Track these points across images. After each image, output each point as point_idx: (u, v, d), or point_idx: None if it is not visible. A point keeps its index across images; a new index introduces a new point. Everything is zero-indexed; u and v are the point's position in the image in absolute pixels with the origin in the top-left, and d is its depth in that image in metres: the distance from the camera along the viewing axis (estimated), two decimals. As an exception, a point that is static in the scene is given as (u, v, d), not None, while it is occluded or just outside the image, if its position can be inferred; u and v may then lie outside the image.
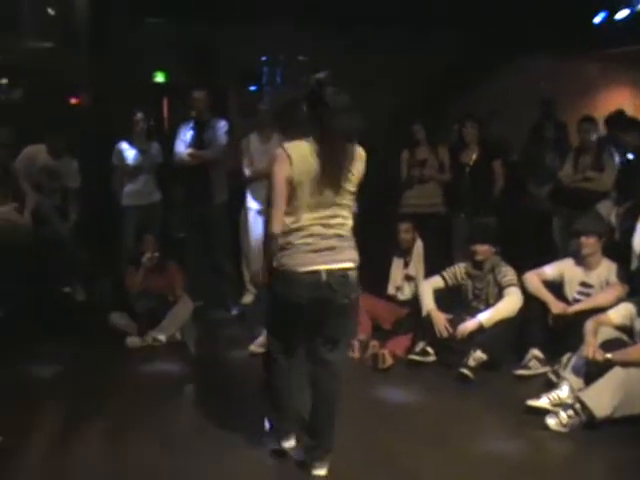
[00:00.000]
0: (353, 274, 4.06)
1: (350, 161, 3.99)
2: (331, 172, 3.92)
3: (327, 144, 3.91)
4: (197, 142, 7.54)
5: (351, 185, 4.03)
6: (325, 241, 3.96)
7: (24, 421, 4.92)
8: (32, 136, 7.84)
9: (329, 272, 3.95)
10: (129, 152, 7.84)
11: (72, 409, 5.21)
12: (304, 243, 3.93)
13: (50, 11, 10.52)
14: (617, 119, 7.96)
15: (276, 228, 3.94)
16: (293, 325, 4.12)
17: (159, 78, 11.39)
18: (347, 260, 4.03)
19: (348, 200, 4.06)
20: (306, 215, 3.94)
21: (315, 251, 3.94)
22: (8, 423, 4.75)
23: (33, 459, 4.44)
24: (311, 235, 3.94)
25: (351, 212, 4.11)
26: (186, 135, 7.63)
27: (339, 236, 4.01)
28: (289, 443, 4.39)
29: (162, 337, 6.51)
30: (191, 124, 7.72)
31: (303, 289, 3.93)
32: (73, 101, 10.27)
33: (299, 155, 3.90)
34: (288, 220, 3.94)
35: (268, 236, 3.97)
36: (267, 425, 4.47)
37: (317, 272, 3.93)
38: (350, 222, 4.10)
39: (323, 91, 3.91)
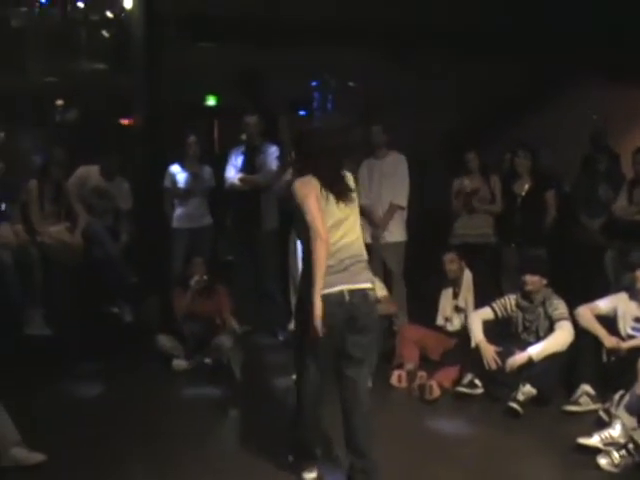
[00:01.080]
0: (373, 294, 4.21)
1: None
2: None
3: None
4: (248, 167, 7.58)
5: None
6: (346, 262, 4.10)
7: (68, 440, 4.96)
8: (85, 157, 7.93)
9: (351, 292, 4.04)
10: (181, 175, 7.90)
11: (116, 429, 5.23)
12: (328, 265, 4.02)
13: (105, 33, 10.70)
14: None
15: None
16: (322, 347, 4.13)
17: (210, 101, 11.50)
18: (366, 280, 4.14)
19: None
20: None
21: (338, 272, 4.04)
22: (52, 441, 4.76)
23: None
24: (332, 257, 4.04)
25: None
26: (237, 160, 7.67)
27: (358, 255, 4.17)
28: (311, 475, 4.38)
29: (208, 361, 6.51)
30: (242, 149, 7.77)
31: (331, 309, 4.00)
32: (126, 122, 10.39)
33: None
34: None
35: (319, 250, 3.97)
36: (290, 458, 4.49)
37: (341, 292, 4.03)
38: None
39: None
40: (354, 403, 4.12)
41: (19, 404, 4.76)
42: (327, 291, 4.01)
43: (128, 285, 7.58)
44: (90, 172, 7.75)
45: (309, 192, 4.07)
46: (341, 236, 4.12)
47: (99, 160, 7.79)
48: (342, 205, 4.15)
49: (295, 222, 4.42)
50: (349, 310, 4.05)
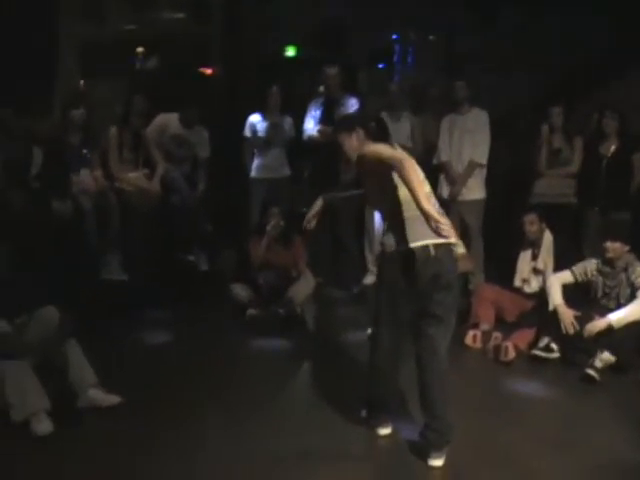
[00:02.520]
0: (456, 250, 4.19)
1: None
2: None
3: None
4: (327, 119, 7.50)
5: None
6: None
7: (142, 384, 5.06)
8: (165, 105, 7.95)
9: (436, 246, 3.94)
10: (261, 125, 7.87)
11: (188, 377, 5.30)
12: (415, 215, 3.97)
13: (185, -17, 10.67)
14: None
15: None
16: (400, 303, 4.09)
17: (290, 52, 11.41)
18: (451, 235, 3.98)
19: None
20: None
21: (423, 224, 3.93)
22: (126, 385, 4.84)
23: (150, 424, 4.51)
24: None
25: None
26: (316, 111, 7.62)
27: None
28: (386, 430, 4.39)
29: (282, 311, 6.52)
30: (321, 100, 7.70)
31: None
32: (206, 72, 10.38)
33: None
34: None
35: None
36: (363, 412, 4.48)
37: (426, 246, 3.95)
38: None
39: None
40: (431, 363, 4.05)
41: (95, 348, 4.84)
42: (412, 245, 3.96)
43: (204, 233, 7.64)
44: (169, 120, 7.78)
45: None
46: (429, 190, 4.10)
47: (179, 108, 7.80)
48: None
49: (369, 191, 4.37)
50: (434, 266, 3.96)
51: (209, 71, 10.32)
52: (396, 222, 4.05)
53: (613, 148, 7.28)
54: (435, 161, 7.57)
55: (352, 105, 7.56)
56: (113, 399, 4.64)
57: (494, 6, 10.31)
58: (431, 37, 11.88)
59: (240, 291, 6.77)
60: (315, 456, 4.14)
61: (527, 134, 8.07)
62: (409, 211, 3.98)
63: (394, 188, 4.03)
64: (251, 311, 6.64)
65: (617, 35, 9.97)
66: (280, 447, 4.21)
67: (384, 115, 7.53)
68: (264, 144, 7.84)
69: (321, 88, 8.06)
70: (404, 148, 4.60)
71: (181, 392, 4.99)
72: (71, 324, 4.70)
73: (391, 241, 4.08)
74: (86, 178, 7.00)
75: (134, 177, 7.30)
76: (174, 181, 7.53)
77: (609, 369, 5.49)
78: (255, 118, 7.90)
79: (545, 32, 10.01)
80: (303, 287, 6.61)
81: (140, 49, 10.40)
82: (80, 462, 4.01)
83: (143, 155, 7.44)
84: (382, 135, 4.57)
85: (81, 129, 7.05)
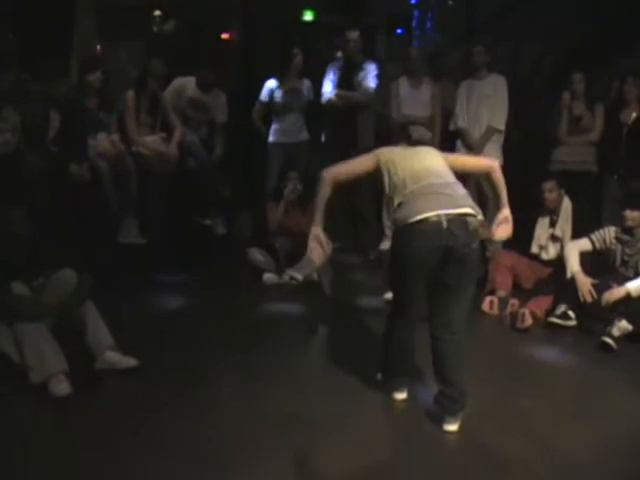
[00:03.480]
0: (474, 221, 3.93)
1: None
2: None
3: None
4: (346, 83, 7.47)
5: None
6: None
7: (159, 347, 5.10)
8: (183, 68, 7.91)
9: (449, 218, 3.85)
10: (279, 90, 7.82)
11: (205, 340, 5.33)
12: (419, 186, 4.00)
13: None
14: None
15: None
16: (415, 277, 4.01)
17: (308, 16, 11.32)
18: (465, 205, 3.92)
19: None
20: None
21: (431, 194, 3.94)
22: (143, 347, 4.86)
23: (167, 386, 4.54)
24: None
25: None
26: (335, 75, 7.56)
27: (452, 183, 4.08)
28: (401, 395, 4.40)
29: (299, 276, 6.53)
30: (340, 64, 7.65)
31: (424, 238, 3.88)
32: (224, 36, 10.32)
33: None
34: None
35: None
36: (379, 376, 4.49)
37: (438, 217, 3.85)
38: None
39: None
40: (446, 332, 4.02)
41: (112, 311, 4.87)
42: (421, 216, 3.86)
43: (221, 198, 7.63)
44: (187, 84, 7.74)
45: None
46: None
47: (196, 72, 7.77)
48: None
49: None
50: (447, 238, 3.84)
51: (227, 35, 10.26)
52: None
53: (634, 115, 7.20)
54: (452, 127, 7.52)
55: (372, 70, 7.51)
56: (130, 361, 4.67)
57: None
58: (450, 2, 11.77)
59: (257, 255, 6.79)
60: (330, 420, 4.14)
61: (547, 101, 7.99)
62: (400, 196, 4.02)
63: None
64: (268, 275, 6.66)
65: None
66: (294, 411, 4.22)
67: (403, 80, 7.49)
68: (282, 109, 7.80)
69: (339, 53, 7.99)
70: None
71: (197, 355, 5.01)
72: (89, 287, 4.72)
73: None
74: (103, 142, 6.98)
75: (151, 141, 7.28)
76: (191, 145, 7.51)
77: (626, 338, 5.45)
78: (272, 83, 7.85)
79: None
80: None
81: (158, 12, 10.34)
82: (97, 423, 4.04)
83: (160, 119, 7.40)
84: None
85: (98, 93, 7.02)
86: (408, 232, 3.87)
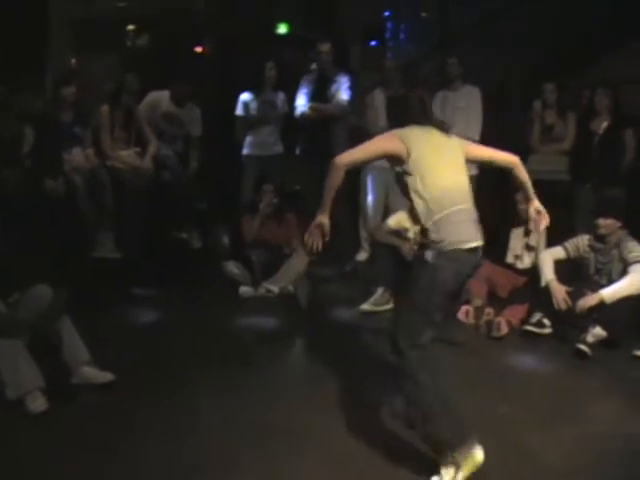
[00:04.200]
0: None
1: None
2: None
3: None
4: (319, 96, 7.49)
5: None
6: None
7: (135, 361, 5.08)
8: (157, 82, 7.92)
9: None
10: (254, 102, 7.84)
11: (181, 354, 5.32)
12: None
13: (177, -42, 10.59)
14: None
15: None
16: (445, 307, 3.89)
17: (282, 29, 11.36)
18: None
19: None
20: None
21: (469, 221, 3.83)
22: (120, 362, 4.86)
23: (144, 400, 4.53)
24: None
25: None
26: (308, 88, 7.58)
27: None
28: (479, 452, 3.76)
29: (275, 289, 6.55)
30: (313, 77, 7.68)
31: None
32: (197, 49, 10.35)
33: None
34: None
35: None
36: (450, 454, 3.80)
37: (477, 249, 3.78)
38: None
39: None
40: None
41: (88, 325, 4.85)
42: (473, 245, 3.74)
43: (197, 211, 7.64)
44: (161, 98, 7.77)
45: None
46: None
47: (170, 86, 7.78)
48: None
49: None
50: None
51: (201, 49, 10.29)
52: None
53: (605, 125, 7.28)
54: (427, 138, 7.55)
55: (344, 82, 7.53)
56: (107, 376, 4.65)
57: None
58: (423, 14, 11.85)
59: (233, 268, 6.79)
60: (309, 432, 4.15)
61: (520, 110, 8.07)
62: None
63: None
64: (244, 288, 6.66)
65: (611, 10, 9.95)
66: (272, 422, 4.23)
67: (379, 92, 7.53)
68: (257, 121, 7.82)
69: (313, 65, 8.03)
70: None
71: (174, 369, 5.00)
72: (64, 302, 4.70)
73: None
74: (78, 156, 6.98)
75: (126, 155, 7.28)
76: (166, 159, 7.53)
77: (600, 344, 5.51)
78: (247, 96, 7.87)
79: (538, 7, 9.97)
80: (296, 264, 6.63)
81: (131, 27, 10.35)
82: (75, 439, 4.02)
83: (135, 133, 7.41)
84: None
85: (73, 107, 7.03)
86: (462, 258, 3.72)
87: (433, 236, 3.73)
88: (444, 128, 4.11)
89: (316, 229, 4.10)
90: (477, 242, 3.76)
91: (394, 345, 3.74)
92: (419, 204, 3.81)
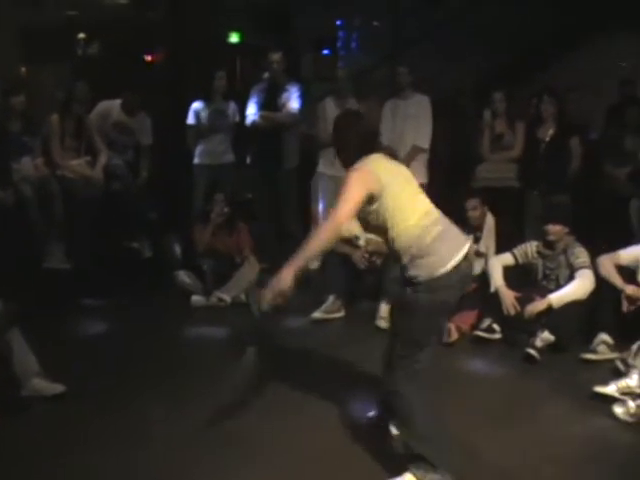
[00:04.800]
0: None
1: None
2: None
3: None
4: (270, 104, 7.51)
5: None
6: None
7: (87, 372, 5.03)
8: (107, 91, 7.89)
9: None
10: (204, 111, 7.83)
11: (134, 364, 5.30)
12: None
13: (128, -33, 10.58)
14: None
15: None
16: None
17: (233, 38, 11.37)
18: None
19: None
20: None
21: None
22: (71, 373, 4.82)
23: (95, 411, 4.49)
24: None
25: None
26: (259, 97, 7.60)
27: None
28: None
29: (227, 298, 6.55)
30: (264, 86, 7.70)
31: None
32: (148, 58, 10.31)
33: None
34: None
35: None
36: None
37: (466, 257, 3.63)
38: None
39: None
40: None
41: (38, 337, 4.79)
42: (455, 261, 3.55)
43: (148, 220, 7.61)
44: (111, 107, 7.74)
45: None
46: None
47: (121, 95, 7.75)
48: None
49: None
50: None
51: (151, 57, 10.25)
52: None
53: (551, 132, 7.42)
54: (377, 146, 7.61)
55: (295, 91, 7.56)
56: (57, 388, 4.61)
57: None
58: (375, 23, 11.94)
59: (185, 278, 6.77)
60: (262, 439, 4.16)
61: (470, 119, 8.17)
62: None
63: None
64: (196, 298, 6.65)
65: (556, 20, 10.15)
66: (225, 431, 4.23)
67: (330, 101, 7.58)
68: (207, 130, 7.82)
69: (266, 74, 8.05)
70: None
71: (126, 379, 4.97)
72: (14, 313, 4.65)
73: None
74: (27, 166, 6.92)
75: (77, 165, 7.25)
76: (117, 168, 7.51)
77: (549, 348, 5.60)
78: (198, 105, 7.86)
79: (487, 16, 10.12)
80: (247, 273, 6.64)
81: (82, 35, 10.28)
82: (25, 451, 3.98)
83: (85, 142, 7.38)
84: None
85: (22, 116, 6.97)
86: (444, 281, 3.52)
87: (418, 271, 3.54)
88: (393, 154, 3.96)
89: (280, 295, 3.82)
90: (463, 251, 3.59)
91: (390, 381, 3.67)
92: (400, 236, 3.58)
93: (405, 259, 3.58)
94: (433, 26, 10.47)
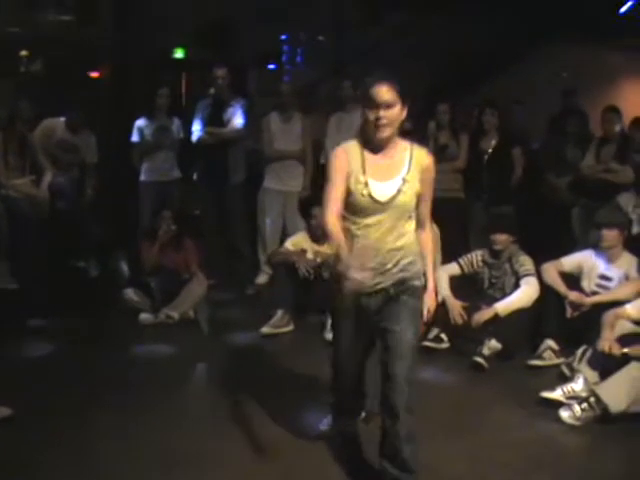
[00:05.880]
0: None
1: None
2: None
3: None
4: (216, 120, 7.50)
5: None
6: None
7: (34, 394, 4.95)
8: (51, 109, 7.82)
9: None
10: (148, 128, 7.81)
11: (82, 384, 5.21)
12: None
13: (71, -17, 10.51)
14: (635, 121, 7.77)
15: None
16: None
17: (178, 54, 11.36)
18: None
19: None
20: None
21: None
22: (18, 395, 4.75)
23: (42, 433, 4.43)
24: None
25: None
26: (205, 112, 7.59)
27: None
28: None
29: (175, 314, 6.50)
30: (210, 101, 7.69)
31: None
32: (92, 75, 10.24)
33: None
34: None
35: None
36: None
37: None
38: None
39: None
40: None
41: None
42: None
43: (94, 239, 7.55)
44: (56, 125, 7.66)
45: None
46: None
47: (65, 113, 7.69)
48: None
49: None
50: None
51: (96, 74, 10.19)
52: None
53: (493, 143, 7.54)
54: (323, 160, 7.65)
55: (241, 106, 7.56)
56: (3, 411, 4.54)
57: (381, 5, 10.50)
58: (320, 37, 12.01)
59: (133, 296, 6.71)
60: (208, 457, 4.13)
61: (414, 130, 8.24)
62: None
63: None
64: (144, 315, 6.60)
65: (499, 32, 10.32)
66: (172, 448, 4.20)
67: (274, 115, 7.60)
68: (152, 147, 7.79)
69: (211, 90, 8.05)
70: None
71: (73, 399, 4.89)
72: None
73: None
74: (-30, 185, 6.82)
75: (21, 184, 7.12)
76: (62, 187, 7.41)
77: (496, 356, 5.67)
78: (142, 122, 7.84)
79: (430, 30, 10.26)
80: (196, 289, 6.61)
81: (25, 52, 10.18)
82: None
83: (29, 161, 7.27)
84: None
85: (-38, 136, 6.86)
86: None
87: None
88: None
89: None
90: None
91: (402, 374, 3.58)
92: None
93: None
94: (377, 40, 10.56)
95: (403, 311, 3.65)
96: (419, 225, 3.79)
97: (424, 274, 3.80)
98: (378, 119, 3.50)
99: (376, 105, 3.49)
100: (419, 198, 3.68)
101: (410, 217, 3.69)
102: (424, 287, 3.77)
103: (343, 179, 3.60)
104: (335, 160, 3.67)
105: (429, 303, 3.79)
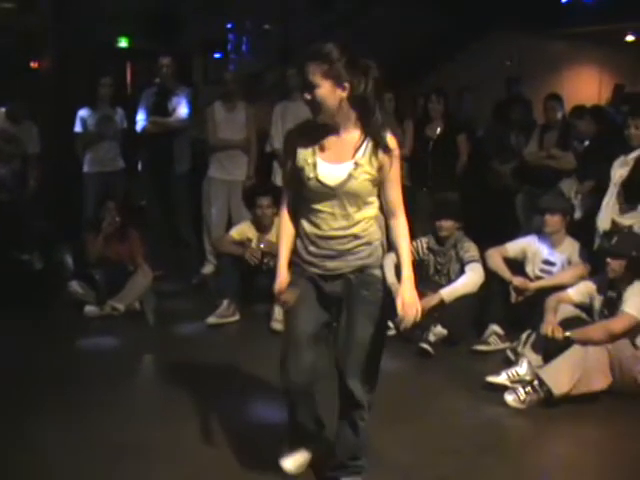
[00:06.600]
0: None
1: None
2: None
3: None
4: (160, 109, 7.44)
5: None
6: None
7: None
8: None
9: None
10: (91, 118, 7.70)
11: (27, 378, 5.16)
12: None
13: (10, -30, 10.33)
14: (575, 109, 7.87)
15: None
16: None
17: (122, 43, 11.24)
18: None
19: None
20: None
21: None
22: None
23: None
24: None
25: None
26: (149, 102, 7.52)
27: None
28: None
29: (121, 306, 6.44)
30: (155, 90, 7.62)
31: None
32: (33, 65, 10.08)
33: None
34: None
35: None
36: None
37: None
38: None
39: None
40: None
41: None
42: None
43: (37, 231, 7.42)
44: (-4, 116, 7.53)
45: None
46: None
47: (5, 103, 7.56)
48: None
49: None
50: None
51: (37, 64, 10.03)
52: None
53: (439, 130, 7.56)
54: (268, 148, 7.66)
55: (185, 95, 7.51)
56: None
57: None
58: (267, 26, 11.97)
59: (77, 288, 6.63)
60: (159, 450, 4.12)
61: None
62: None
63: None
64: (89, 308, 6.53)
65: (445, 20, 10.39)
66: (122, 441, 4.18)
67: (218, 104, 7.55)
68: (95, 137, 7.69)
69: (157, 79, 7.98)
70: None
71: (22, 392, 4.86)
72: None
73: None
74: None
75: (-39, 176, 7.03)
76: (2, 178, 7.29)
77: (442, 342, 5.74)
78: (85, 112, 7.73)
79: (375, 18, 10.28)
80: (141, 281, 6.55)
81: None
82: None
83: (-31, 153, 7.16)
84: None
85: None
86: None
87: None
88: None
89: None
90: None
91: (358, 394, 3.65)
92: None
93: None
94: (324, 28, 10.56)
95: (359, 311, 3.66)
96: (390, 213, 3.60)
97: (397, 266, 3.81)
98: (306, 101, 3.39)
99: (304, 86, 3.36)
100: (381, 184, 3.51)
101: (366, 204, 3.52)
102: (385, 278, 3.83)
103: (293, 162, 3.50)
104: (285, 143, 3.60)
105: (407, 298, 3.68)
